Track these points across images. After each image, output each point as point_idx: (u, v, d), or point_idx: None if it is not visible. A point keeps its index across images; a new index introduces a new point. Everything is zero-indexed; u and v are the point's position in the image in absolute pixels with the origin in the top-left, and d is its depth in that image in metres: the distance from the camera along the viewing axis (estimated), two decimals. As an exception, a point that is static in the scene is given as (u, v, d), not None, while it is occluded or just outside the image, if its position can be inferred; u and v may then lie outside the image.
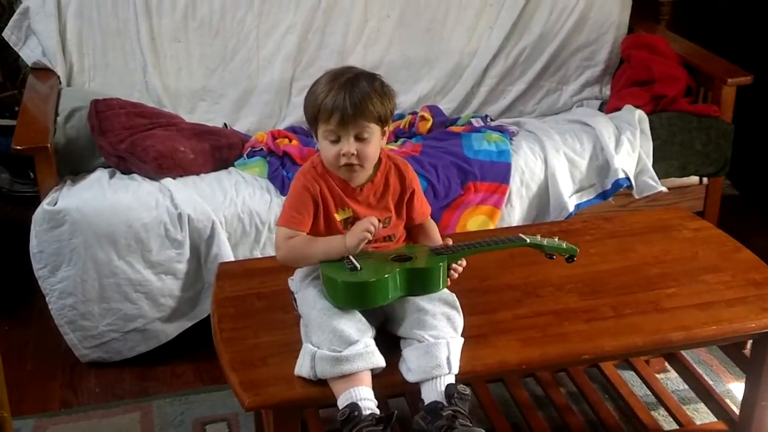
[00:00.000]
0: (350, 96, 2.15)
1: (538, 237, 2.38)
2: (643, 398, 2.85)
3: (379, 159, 2.29)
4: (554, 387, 2.88)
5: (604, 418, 2.73)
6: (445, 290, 2.27)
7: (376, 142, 2.22)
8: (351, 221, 2.26)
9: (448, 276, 2.26)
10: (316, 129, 2.22)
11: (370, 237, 2.17)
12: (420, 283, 2.20)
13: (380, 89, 2.21)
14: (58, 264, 3.02)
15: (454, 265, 2.27)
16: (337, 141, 2.19)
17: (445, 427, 2.06)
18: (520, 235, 2.38)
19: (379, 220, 2.28)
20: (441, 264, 2.21)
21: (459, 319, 2.24)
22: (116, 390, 3.07)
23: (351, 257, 2.19)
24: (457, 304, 2.27)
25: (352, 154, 2.18)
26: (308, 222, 2.25)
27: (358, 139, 2.18)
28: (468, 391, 2.14)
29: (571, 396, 2.91)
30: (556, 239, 2.39)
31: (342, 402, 2.09)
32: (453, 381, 2.15)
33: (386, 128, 2.25)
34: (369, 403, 2.09)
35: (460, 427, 2.05)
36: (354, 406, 2.06)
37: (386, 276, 2.15)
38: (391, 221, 2.32)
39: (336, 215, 2.26)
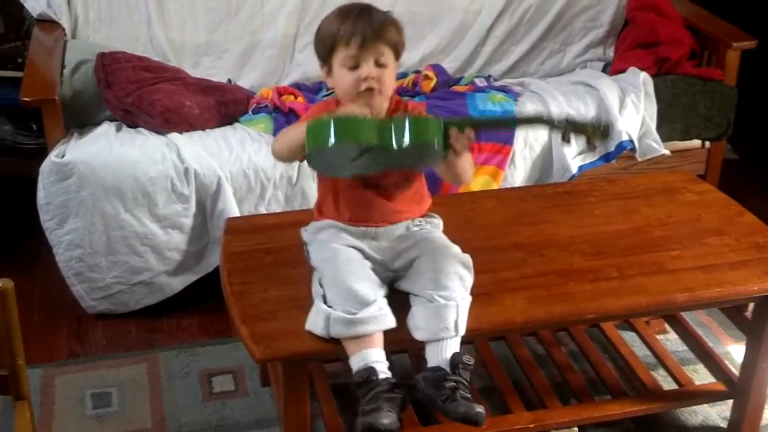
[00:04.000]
0: (369, 21, 2.17)
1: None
2: (643, 358, 2.89)
3: (391, 99, 2.28)
4: (555, 346, 2.92)
5: (604, 377, 2.77)
6: (459, 249, 2.29)
7: (393, 71, 2.23)
8: None
9: (449, 146, 2.14)
10: (331, 60, 2.20)
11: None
12: (418, 134, 2.08)
13: (392, 19, 2.24)
14: (65, 216, 3.04)
15: (454, 131, 2.12)
16: (355, 68, 2.18)
17: (445, 396, 2.10)
18: (542, 114, 2.28)
19: None
20: (440, 120, 2.11)
21: (470, 280, 2.26)
22: (123, 341, 3.10)
23: None
24: (471, 264, 2.28)
25: (373, 78, 2.17)
26: None
27: (378, 64, 2.18)
28: (472, 361, 2.17)
29: (572, 355, 2.94)
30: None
31: (355, 362, 2.13)
32: (458, 345, 2.18)
33: (398, 62, 2.25)
34: (382, 366, 2.13)
35: (460, 400, 2.09)
36: (371, 371, 2.10)
37: (379, 119, 2.12)
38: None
39: None
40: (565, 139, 2.20)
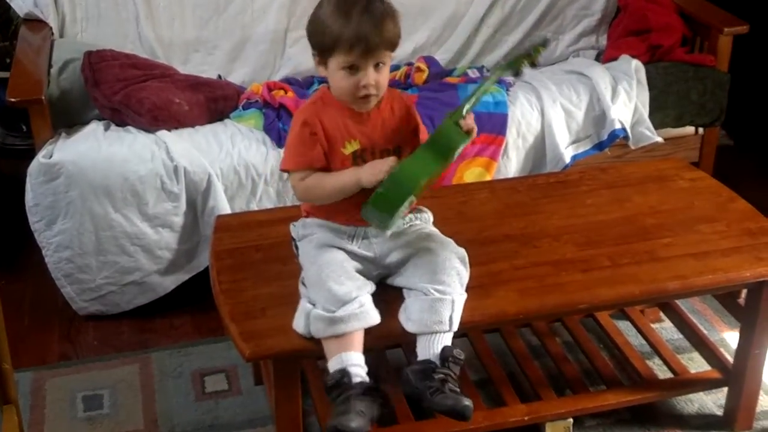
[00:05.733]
0: (372, 23, 2.09)
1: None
2: (639, 348, 2.87)
3: None
4: (550, 337, 2.90)
5: (599, 367, 2.75)
6: (454, 244, 2.28)
7: (388, 68, 2.19)
8: (359, 154, 2.22)
9: (467, 128, 2.19)
10: (329, 58, 2.15)
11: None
12: (442, 144, 2.13)
13: (391, 11, 2.17)
14: (54, 217, 3.02)
15: (461, 122, 2.17)
16: (354, 71, 2.13)
17: (433, 389, 2.08)
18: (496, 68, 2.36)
19: (390, 150, 2.25)
20: (448, 121, 2.14)
21: (466, 275, 2.24)
22: (115, 342, 3.08)
23: None
24: (467, 260, 2.26)
25: (372, 85, 2.13)
26: (316, 155, 2.19)
27: (376, 68, 2.14)
28: (462, 355, 2.15)
29: (567, 345, 2.93)
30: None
31: (332, 365, 2.11)
32: (450, 341, 2.17)
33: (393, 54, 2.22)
34: (358, 369, 2.11)
35: (448, 392, 2.08)
36: (344, 373, 2.08)
37: (405, 162, 2.11)
38: (402, 152, 2.27)
39: (343, 150, 2.21)
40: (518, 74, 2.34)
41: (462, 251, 2.28)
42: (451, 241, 2.31)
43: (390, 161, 2.12)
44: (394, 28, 2.15)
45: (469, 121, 2.18)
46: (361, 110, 2.21)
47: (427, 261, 2.22)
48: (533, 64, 2.29)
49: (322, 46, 2.15)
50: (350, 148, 2.21)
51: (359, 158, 2.21)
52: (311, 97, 2.30)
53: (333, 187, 2.19)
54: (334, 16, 2.11)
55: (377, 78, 2.14)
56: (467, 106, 2.18)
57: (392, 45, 2.16)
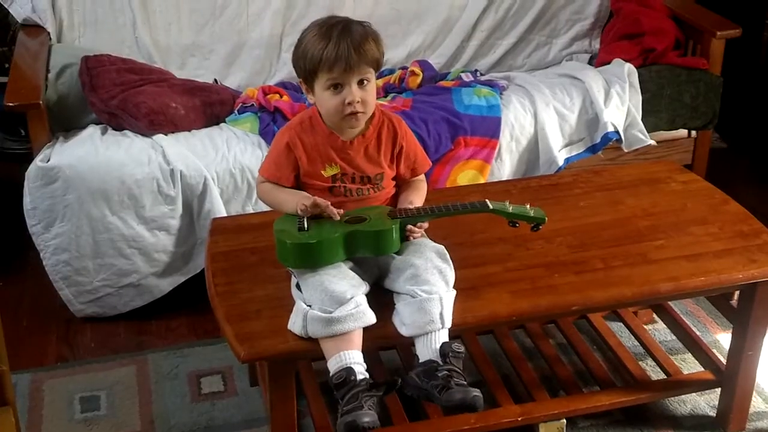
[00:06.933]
0: (351, 42, 2.17)
1: (506, 203, 2.32)
2: (632, 349, 2.89)
3: (372, 113, 2.30)
4: (543, 338, 2.92)
5: (593, 369, 2.77)
6: (434, 243, 2.30)
7: (374, 86, 2.25)
8: (338, 177, 2.29)
9: (406, 238, 2.28)
10: (314, 81, 2.22)
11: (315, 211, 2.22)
12: (370, 244, 2.21)
13: (372, 32, 2.24)
14: (52, 220, 3.04)
15: (410, 227, 2.28)
16: (338, 90, 2.20)
17: (440, 386, 2.10)
18: (486, 201, 2.33)
19: (370, 177, 2.31)
20: (392, 227, 2.21)
21: (450, 273, 2.26)
22: (111, 344, 3.10)
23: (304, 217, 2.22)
24: (448, 257, 2.28)
25: (358, 101, 2.19)
26: (286, 176, 2.29)
27: (360, 85, 2.20)
28: (462, 348, 2.17)
29: (561, 347, 2.95)
30: (527, 206, 2.35)
31: (333, 364, 2.13)
32: (446, 336, 2.18)
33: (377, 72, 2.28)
34: (360, 368, 2.13)
35: (456, 387, 2.09)
36: (350, 371, 2.09)
37: (330, 238, 2.17)
38: (384, 177, 2.33)
39: (323, 172, 2.28)
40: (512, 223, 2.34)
41: (440, 247, 2.30)
42: (428, 240, 2.33)
43: (319, 202, 2.20)
44: (376, 48, 2.22)
45: (416, 231, 2.30)
46: (352, 127, 2.27)
47: (407, 263, 2.24)
48: (513, 223, 2.34)
49: (306, 71, 2.22)
50: (330, 171, 2.29)
51: (339, 180, 2.29)
52: (300, 115, 2.36)
53: (279, 201, 2.30)
54: (314, 40, 2.20)
55: (362, 95, 2.20)
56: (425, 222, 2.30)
57: (373, 62, 2.22)
